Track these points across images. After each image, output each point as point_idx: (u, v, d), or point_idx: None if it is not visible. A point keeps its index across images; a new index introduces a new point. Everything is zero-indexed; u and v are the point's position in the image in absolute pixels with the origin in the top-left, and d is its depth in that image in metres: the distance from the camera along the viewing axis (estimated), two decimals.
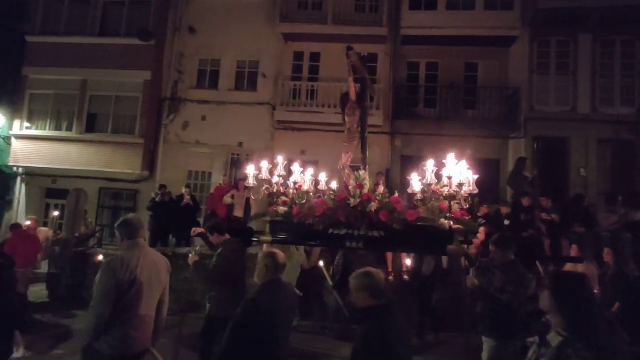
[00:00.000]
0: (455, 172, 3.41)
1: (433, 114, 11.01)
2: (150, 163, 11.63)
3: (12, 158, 11.57)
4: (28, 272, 7.26)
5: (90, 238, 9.96)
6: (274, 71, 11.63)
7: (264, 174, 3.94)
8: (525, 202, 7.63)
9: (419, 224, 3.33)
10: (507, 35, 10.76)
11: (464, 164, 3.44)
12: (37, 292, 8.17)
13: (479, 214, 8.06)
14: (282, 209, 3.75)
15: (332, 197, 3.60)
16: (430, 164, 3.54)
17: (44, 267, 8.99)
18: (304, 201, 3.63)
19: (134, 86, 11.53)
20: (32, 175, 11.94)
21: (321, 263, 5.35)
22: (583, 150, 10.50)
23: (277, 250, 2.98)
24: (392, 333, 2.29)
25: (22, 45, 11.81)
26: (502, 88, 10.91)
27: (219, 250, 4.05)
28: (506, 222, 7.63)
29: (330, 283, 5.53)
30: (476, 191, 3.49)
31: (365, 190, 3.59)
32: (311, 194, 3.78)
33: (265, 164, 3.99)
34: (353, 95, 4.28)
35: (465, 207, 3.50)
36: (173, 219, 9.23)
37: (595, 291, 4.77)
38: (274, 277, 2.81)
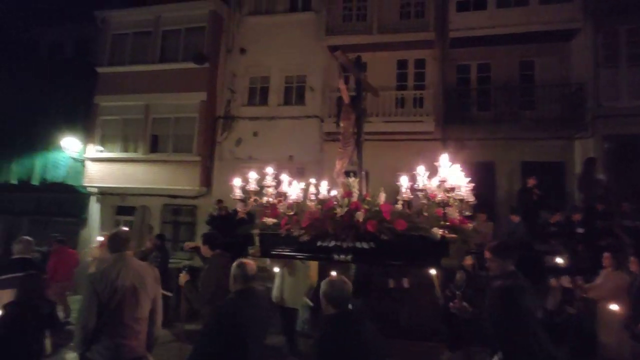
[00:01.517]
0: (449, 175, 3.05)
1: (487, 117, 10.49)
2: (207, 179, 12.20)
3: (87, 179, 12.69)
4: (66, 285, 8.21)
5: (154, 252, 10.56)
6: (321, 84, 11.79)
7: (252, 185, 3.77)
8: (601, 207, 6.98)
9: (410, 233, 3.01)
10: (567, 28, 10.03)
11: (457, 167, 3.12)
12: None
13: (551, 221, 7.50)
14: (270, 221, 3.57)
15: (319, 206, 3.39)
16: (421, 169, 3.26)
17: None
18: (292, 213, 3.44)
19: (191, 107, 12.21)
20: (104, 194, 12.99)
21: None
22: None
23: (247, 261, 3.06)
24: (343, 340, 2.34)
25: (93, 76, 13.01)
26: (563, 85, 10.16)
27: (206, 266, 4.07)
28: (579, 230, 7.00)
29: None
30: (471, 199, 3.09)
31: (355, 198, 3.34)
32: (308, 203, 3.58)
33: (252, 175, 3.81)
34: (346, 98, 4.09)
35: (466, 213, 3.10)
36: (229, 232, 9.55)
37: (615, 306, 4.32)
38: (244, 287, 2.94)
